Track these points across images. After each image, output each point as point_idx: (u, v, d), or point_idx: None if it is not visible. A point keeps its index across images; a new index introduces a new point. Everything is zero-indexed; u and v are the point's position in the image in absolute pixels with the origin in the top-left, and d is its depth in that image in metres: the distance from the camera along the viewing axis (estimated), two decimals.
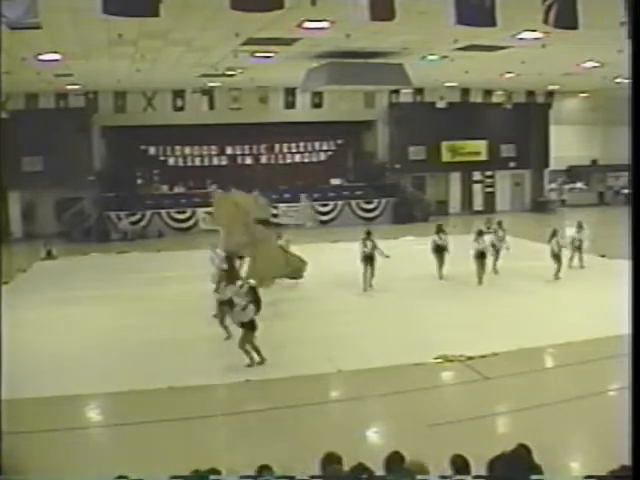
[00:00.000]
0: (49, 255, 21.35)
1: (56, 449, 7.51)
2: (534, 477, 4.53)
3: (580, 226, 17.09)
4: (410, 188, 30.32)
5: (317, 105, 27.48)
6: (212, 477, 4.60)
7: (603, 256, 17.69)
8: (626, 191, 30.44)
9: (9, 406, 7.05)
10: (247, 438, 8.22)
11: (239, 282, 11.28)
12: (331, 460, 4.90)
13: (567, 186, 34.21)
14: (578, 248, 16.79)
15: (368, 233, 15.75)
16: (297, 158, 30.42)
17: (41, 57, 17.08)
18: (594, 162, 34.22)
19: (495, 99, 30.19)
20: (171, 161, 29.29)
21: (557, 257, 15.87)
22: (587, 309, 12.92)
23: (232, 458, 7.14)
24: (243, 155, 29.98)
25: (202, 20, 13.59)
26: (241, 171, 29.02)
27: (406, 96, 29.30)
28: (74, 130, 25.82)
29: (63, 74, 20.56)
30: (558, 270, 15.76)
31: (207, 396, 9.35)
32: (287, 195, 28.42)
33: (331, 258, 19.18)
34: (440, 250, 16.48)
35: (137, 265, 20.08)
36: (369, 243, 15.42)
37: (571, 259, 16.83)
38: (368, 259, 15.28)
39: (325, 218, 28.48)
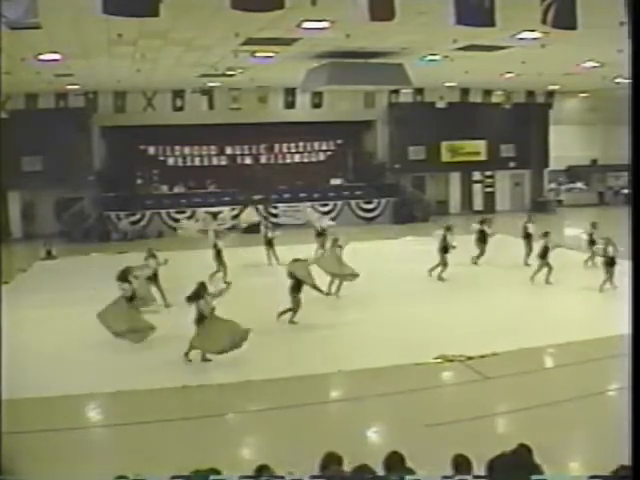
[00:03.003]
0: (49, 255, 21.35)
1: (56, 449, 7.51)
2: (535, 477, 4.54)
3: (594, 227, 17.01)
4: (410, 188, 30.30)
5: (317, 105, 27.48)
6: (212, 477, 4.60)
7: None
8: (626, 191, 30.42)
9: (9, 406, 7.05)
10: (247, 437, 8.24)
11: None
12: (331, 460, 4.89)
13: (567, 186, 34.20)
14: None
15: (448, 228, 16.59)
16: (297, 158, 30.40)
17: (41, 57, 17.06)
18: (594, 162, 34.21)
19: (495, 99, 30.19)
20: (171, 161, 29.28)
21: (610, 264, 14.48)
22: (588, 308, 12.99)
23: (232, 457, 7.15)
24: (243, 155, 29.96)
25: (202, 20, 13.59)
26: (241, 171, 29.04)
27: (406, 96, 29.28)
28: (74, 130, 25.78)
29: (63, 74, 20.55)
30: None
31: (209, 395, 9.38)
32: (287, 195, 28.43)
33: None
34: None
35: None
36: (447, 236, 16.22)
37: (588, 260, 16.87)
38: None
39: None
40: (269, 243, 18.84)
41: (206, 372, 10.22)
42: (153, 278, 14.24)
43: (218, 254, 16.63)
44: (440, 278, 16.02)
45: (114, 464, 6.88)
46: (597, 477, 4.66)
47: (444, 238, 16.20)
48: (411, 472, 4.73)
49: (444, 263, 16.09)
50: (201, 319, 10.44)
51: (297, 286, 12.37)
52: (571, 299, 14.12)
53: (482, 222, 18.40)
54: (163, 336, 12.18)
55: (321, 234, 19.31)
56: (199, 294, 10.45)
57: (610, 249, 14.41)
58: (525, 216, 18.69)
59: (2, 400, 6.86)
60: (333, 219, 28.25)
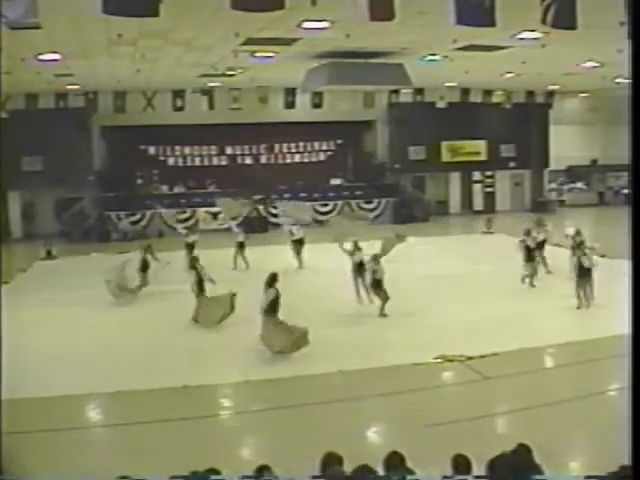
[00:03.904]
0: (49, 255, 21.35)
1: (56, 449, 7.51)
2: (535, 477, 4.53)
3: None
4: (410, 188, 30.32)
5: (317, 105, 27.48)
6: (213, 477, 4.59)
7: (603, 256, 17.67)
8: (626, 191, 30.42)
9: (9, 406, 7.05)
10: (247, 437, 8.24)
11: None
12: (331, 460, 4.89)
13: (567, 186, 34.22)
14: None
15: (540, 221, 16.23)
16: (297, 158, 30.42)
17: (41, 57, 17.07)
18: (594, 162, 34.22)
19: (495, 99, 30.19)
20: (171, 161, 29.29)
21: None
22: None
23: (232, 457, 7.16)
24: (243, 155, 29.98)
25: (202, 20, 13.59)
26: (241, 171, 29.06)
27: (406, 96, 29.29)
28: (74, 130, 25.80)
29: (63, 74, 20.56)
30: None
31: (214, 395, 9.40)
32: (287, 195, 28.44)
33: (331, 258, 19.14)
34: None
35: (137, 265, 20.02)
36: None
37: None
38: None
39: (325, 218, 28.42)
40: (241, 246, 18.34)
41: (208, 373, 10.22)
42: None
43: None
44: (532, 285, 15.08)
45: (114, 464, 6.88)
46: (597, 477, 4.67)
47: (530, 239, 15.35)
48: (411, 472, 4.73)
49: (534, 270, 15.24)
50: (270, 308, 10.66)
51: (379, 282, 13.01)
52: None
53: (539, 224, 16.99)
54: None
55: (298, 241, 18.34)
56: (272, 282, 10.84)
57: (586, 259, 12.99)
58: (534, 217, 18.09)
59: (2, 400, 6.86)
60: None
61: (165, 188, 28.36)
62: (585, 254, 13.01)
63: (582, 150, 33.26)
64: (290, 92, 26.20)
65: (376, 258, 13.15)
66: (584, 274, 12.90)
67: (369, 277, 13.35)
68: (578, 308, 12.90)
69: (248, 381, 9.64)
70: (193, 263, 13.32)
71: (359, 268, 14.06)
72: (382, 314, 12.98)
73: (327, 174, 29.64)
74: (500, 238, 23.28)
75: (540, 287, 15.06)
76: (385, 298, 12.98)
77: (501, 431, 8.29)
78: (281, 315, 10.83)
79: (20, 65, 17.43)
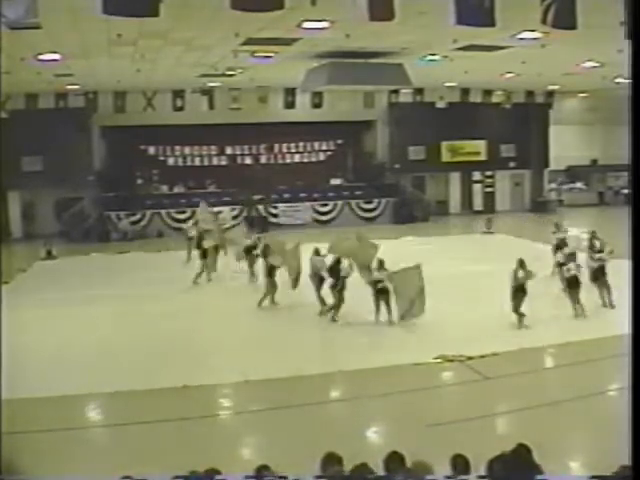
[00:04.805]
0: (49, 255, 21.36)
1: (56, 449, 7.51)
2: (538, 477, 4.54)
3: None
4: (410, 188, 30.31)
5: (317, 105, 27.47)
6: (217, 477, 4.59)
7: None
8: (626, 191, 30.43)
9: (9, 406, 7.06)
10: (247, 438, 8.24)
11: None
12: (331, 460, 4.89)
13: (567, 186, 34.22)
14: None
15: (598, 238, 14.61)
16: (297, 158, 30.41)
17: (41, 57, 17.06)
18: (594, 162, 34.23)
19: (495, 99, 30.18)
20: (171, 161, 29.27)
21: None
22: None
23: (232, 457, 7.16)
24: (243, 155, 29.97)
25: (202, 20, 13.58)
26: (241, 171, 29.05)
27: (406, 96, 29.28)
28: (74, 130, 25.79)
29: (63, 74, 20.55)
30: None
31: (211, 395, 9.39)
32: (287, 195, 28.45)
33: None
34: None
35: (137, 265, 20.08)
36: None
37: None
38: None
39: (325, 218, 28.48)
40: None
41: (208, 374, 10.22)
42: None
43: (204, 254, 16.67)
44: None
45: (114, 464, 6.89)
46: (598, 477, 4.67)
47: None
48: (411, 472, 4.72)
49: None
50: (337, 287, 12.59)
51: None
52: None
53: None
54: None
55: (252, 248, 16.52)
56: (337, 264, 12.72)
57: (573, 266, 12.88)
58: (552, 224, 17.18)
59: (2, 400, 6.86)
60: (333, 219, 28.47)
61: (165, 188, 28.34)
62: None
63: (582, 150, 33.27)
64: (290, 92, 26.19)
65: (382, 265, 12.75)
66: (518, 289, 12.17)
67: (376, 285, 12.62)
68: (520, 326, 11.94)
69: (248, 381, 9.65)
70: (265, 252, 14.32)
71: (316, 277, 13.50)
72: (391, 321, 12.48)
73: (327, 174, 29.63)
74: (500, 238, 23.31)
75: (541, 287, 15.06)
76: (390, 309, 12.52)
77: (501, 431, 8.30)
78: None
79: (20, 65, 17.43)
